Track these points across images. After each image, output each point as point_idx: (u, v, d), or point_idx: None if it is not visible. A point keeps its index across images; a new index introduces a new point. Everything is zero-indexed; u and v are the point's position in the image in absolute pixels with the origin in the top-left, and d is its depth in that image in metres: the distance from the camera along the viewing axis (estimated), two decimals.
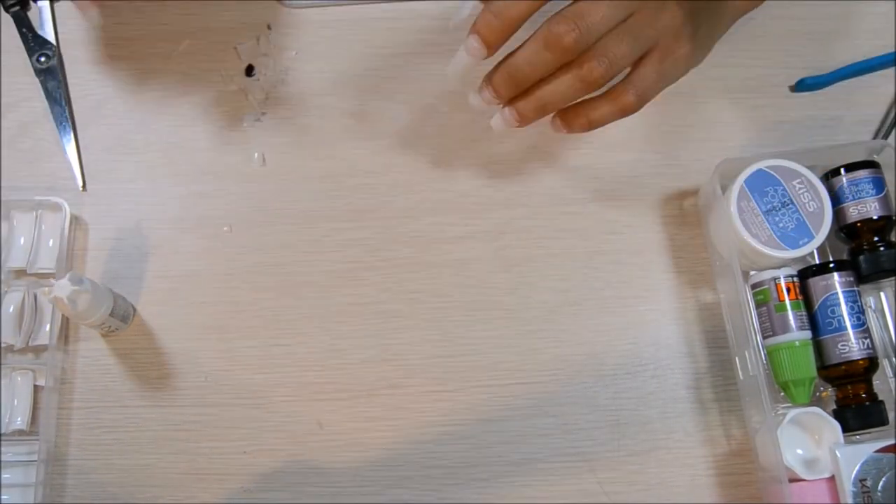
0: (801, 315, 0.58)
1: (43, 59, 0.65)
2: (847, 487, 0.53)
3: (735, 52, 0.67)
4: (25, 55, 0.67)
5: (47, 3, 0.68)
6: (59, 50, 0.67)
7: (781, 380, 0.58)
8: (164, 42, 0.68)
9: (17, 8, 0.67)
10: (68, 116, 0.65)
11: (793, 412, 0.56)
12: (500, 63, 0.52)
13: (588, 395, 0.60)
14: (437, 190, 0.64)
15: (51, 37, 0.67)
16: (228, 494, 0.58)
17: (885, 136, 0.65)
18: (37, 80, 0.66)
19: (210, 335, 0.61)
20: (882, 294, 0.61)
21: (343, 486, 0.59)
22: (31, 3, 0.68)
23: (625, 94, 0.52)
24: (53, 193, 0.63)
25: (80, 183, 0.64)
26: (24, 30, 0.67)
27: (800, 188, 0.59)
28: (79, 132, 0.65)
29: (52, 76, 0.66)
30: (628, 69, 0.52)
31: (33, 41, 0.66)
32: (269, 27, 0.68)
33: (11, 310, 0.59)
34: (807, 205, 0.58)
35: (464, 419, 0.60)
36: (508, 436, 0.59)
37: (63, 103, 0.65)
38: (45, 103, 0.65)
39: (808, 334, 0.57)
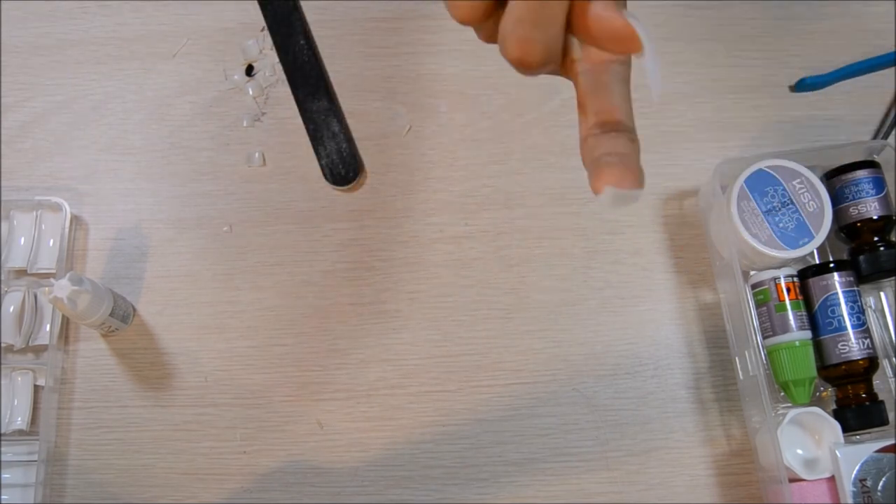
0: (801, 315, 0.58)
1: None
2: (847, 487, 0.53)
3: (735, 52, 0.67)
4: (26, 55, 0.67)
5: None
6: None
7: (781, 380, 0.58)
8: (164, 42, 0.68)
9: None
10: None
11: (793, 412, 0.56)
12: None
13: (588, 395, 0.60)
14: (438, 190, 0.64)
15: None
16: (228, 494, 0.58)
17: (885, 136, 0.65)
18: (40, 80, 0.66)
19: (210, 335, 0.61)
20: (882, 294, 0.61)
21: (343, 486, 0.59)
22: None
23: None
24: (53, 193, 0.63)
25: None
26: None
27: (800, 188, 0.59)
28: (79, 132, 0.65)
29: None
30: None
31: None
32: (262, 29, 0.68)
33: (11, 310, 0.59)
34: (807, 205, 0.58)
35: (463, 419, 0.60)
36: (508, 436, 0.59)
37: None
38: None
39: (808, 334, 0.57)
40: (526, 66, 0.36)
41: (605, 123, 0.39)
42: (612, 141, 0.39)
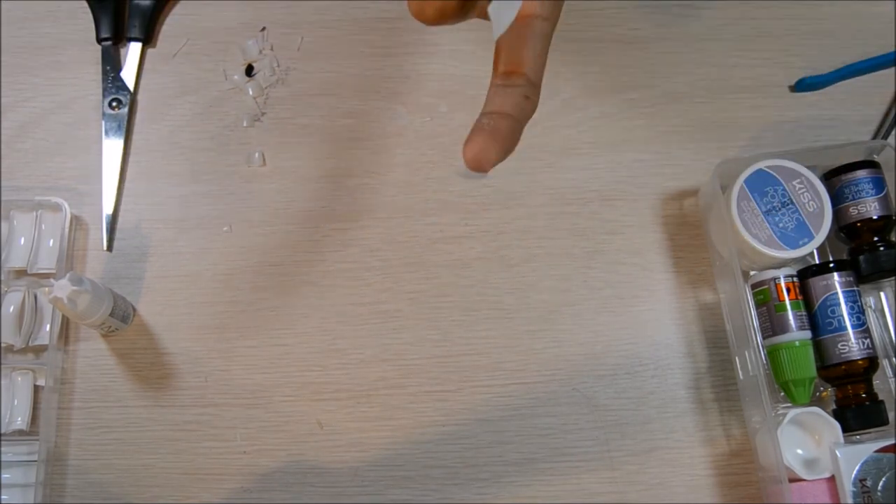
0: (801, 315, 0.58)
1: (115, 104, 0.64)
2: (847, 487, 0.53)
3: (735, 52, 0.67)
4: (26, 55, 0.67)
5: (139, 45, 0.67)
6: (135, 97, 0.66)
7: (781, 380, 0.58)
8: (164, 42, 0.68)
9: (108, 42, 0.65)
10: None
11: (793, 412, 0.56)
12: None
13: (588, 395, 0.60)
14: (437, 190, 0.64)
15: (130, 83, 0.66)
16: (228, 494, 0.58)
17: (885, 136, 0.65)
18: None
19: (210, 335, 0.61)
20: (882, 294, 0.61)
21: (343, 486, 0.59)
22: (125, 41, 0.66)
23: None
24: (53, 193, 0.63)
25: (105, 245, 0.63)
26: (107, 67, 0.66)
27: (800, 188, 0.59)
28: (79, 132, 0.65)
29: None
30: None
31: (112, 82, 0.65)
32: (262, 29, 0.68)
33: (11, 310, 0.59)
34: (807, 205, 0.58)
35: (463, 419, 0.60)
36: (508, 436, 0.59)
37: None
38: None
39: (808, 334, 0.57)
40: (423, 22, 0.37)
41: (509, 74, 0.39)
42: (505, 97, 0.39)
